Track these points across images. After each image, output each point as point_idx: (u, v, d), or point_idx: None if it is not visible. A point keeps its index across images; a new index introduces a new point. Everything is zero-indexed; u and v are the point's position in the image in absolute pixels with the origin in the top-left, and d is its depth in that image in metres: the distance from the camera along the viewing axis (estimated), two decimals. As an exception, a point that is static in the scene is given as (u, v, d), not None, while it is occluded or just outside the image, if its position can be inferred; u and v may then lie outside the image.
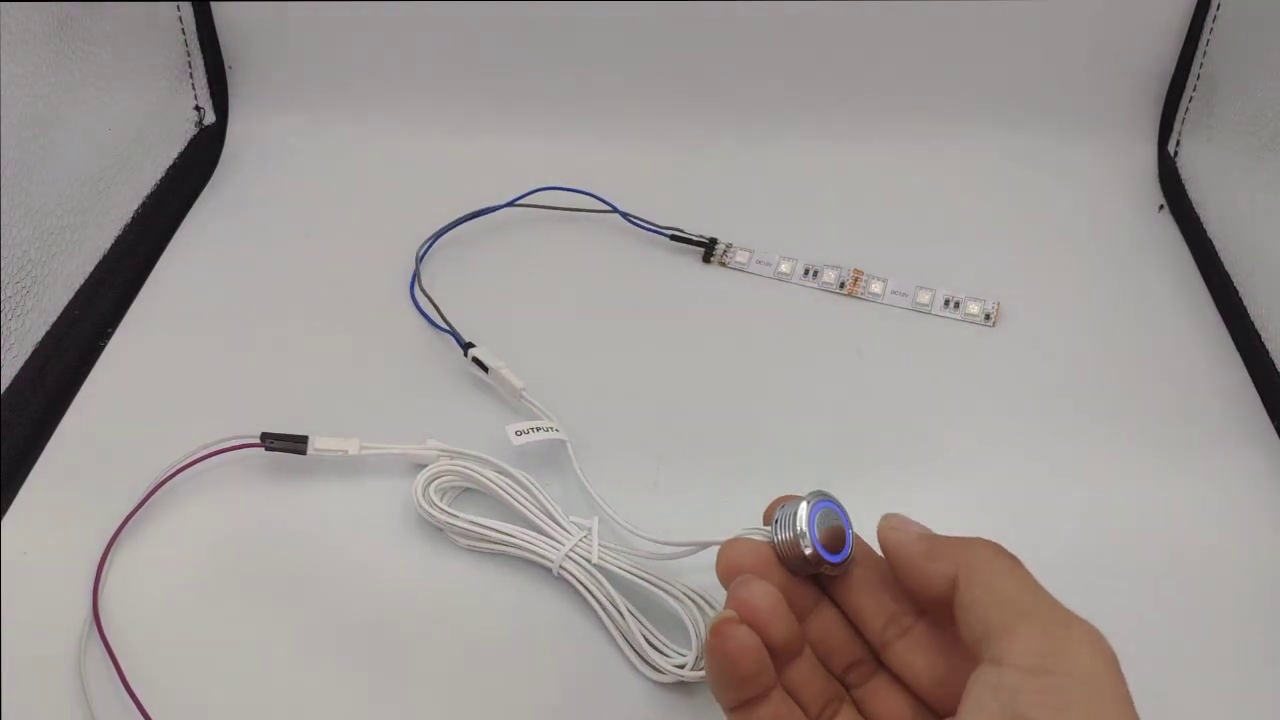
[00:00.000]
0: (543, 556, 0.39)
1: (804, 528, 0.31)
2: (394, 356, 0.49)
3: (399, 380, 0.48)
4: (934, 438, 0.46)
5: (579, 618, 0.38)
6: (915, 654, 0.30)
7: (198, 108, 0.62)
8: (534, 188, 0.57)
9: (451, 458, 0.42)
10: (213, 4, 0.59)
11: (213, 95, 0.62)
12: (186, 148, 0.60)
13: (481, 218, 0.56)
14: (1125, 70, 0.60)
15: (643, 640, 0.37)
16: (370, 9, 0.60)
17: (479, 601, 0.39)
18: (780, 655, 0.30)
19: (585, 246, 0.56)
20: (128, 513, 0.41)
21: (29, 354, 0.45)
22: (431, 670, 0.37)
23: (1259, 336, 0.49)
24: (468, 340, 0.48)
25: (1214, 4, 0.57)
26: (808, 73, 0.61)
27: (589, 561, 0.38)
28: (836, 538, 0.31)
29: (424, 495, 0.41)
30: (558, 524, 0.40)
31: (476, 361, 0.47)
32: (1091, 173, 0.61)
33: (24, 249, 0.45)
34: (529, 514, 0.40)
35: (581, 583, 0.38)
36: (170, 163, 0.58)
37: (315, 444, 0.42)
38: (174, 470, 0.42)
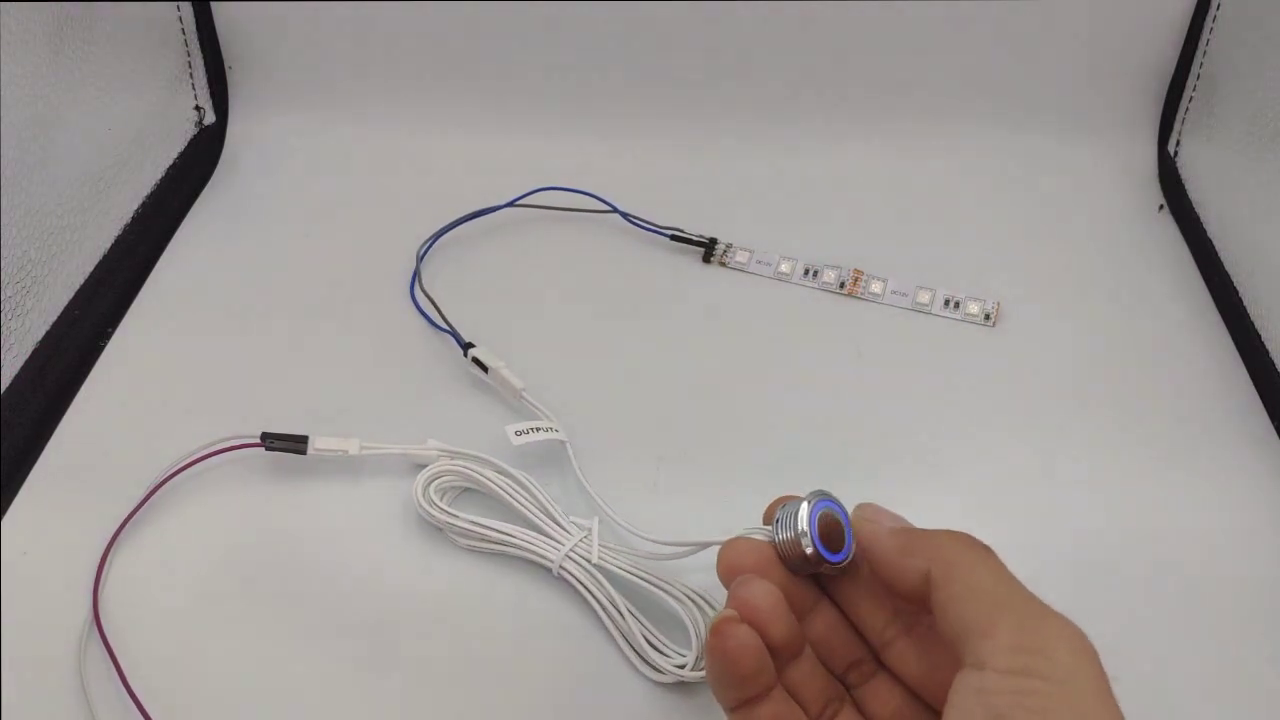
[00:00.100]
0: (543, 556, 0.39)
1: (805, 527, 0.31)
2: (394, 356, 0.49)
3: (399, 380, 0.48)
4: (934, 437, 0.46)
5: (579, 618, 0.38)
6: (915, 654, 0.31)
7: (198, 108, 0.62)
8: (534, 188, 0.57)
9: (451, 458, 0.42)
10: (213, 4, 0.59)
11: (213, 95, 0.62)
12: (186, 148, 0.60)
13: (481, 218, 0.56)
14: (1125, 70, 0.60)
15: (643, 640, 0.37)
16: (370, 9, 0.60)
17: (479, 601, 0.39)
18: (781, 655, 0.30)
19: (585, 246, 0.56)
20: (128, 513, 0.41)
21: (29, 354, 0.45)
22: (431, 670, 0.37)
23: (1259, 336, 0.49)
24: (468, 340, 0.48)
25: (1214, 4, 0.57)
26: (808, 73, 0.61)
27: (589, 561, 0.38)
28: (837, 537, 0.31)
29: (424, 495, 0.41)
30: (558, 524, 0.40)
31: (476, 361, 0.47)
32: (1091, 173, 0.61)
33: (24, 249, 0.45)
34: (529, 514, 0.40)
35: (581, 583, 0.38)
36: (170, 163, 0.58)
37: (315, 444, 0.42)
38: (174, 470, 0.42)
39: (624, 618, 0.37)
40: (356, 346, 0.50)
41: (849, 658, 0.32)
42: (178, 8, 0.59)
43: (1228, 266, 0.52)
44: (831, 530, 0.31)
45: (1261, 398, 0.48)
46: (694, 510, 0.43)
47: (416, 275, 0.52)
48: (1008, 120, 0.62)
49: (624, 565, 0.38)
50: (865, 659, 0.32)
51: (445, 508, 0.40)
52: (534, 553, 0.39)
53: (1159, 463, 0.45)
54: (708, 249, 0.55)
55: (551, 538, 0.39)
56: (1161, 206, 0.59)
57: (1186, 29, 0.58)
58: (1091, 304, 0.53)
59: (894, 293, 0.53)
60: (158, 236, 0.55)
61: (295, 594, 0.39)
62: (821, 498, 0.32)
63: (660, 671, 0.36)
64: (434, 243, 0.55)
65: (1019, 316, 0.52)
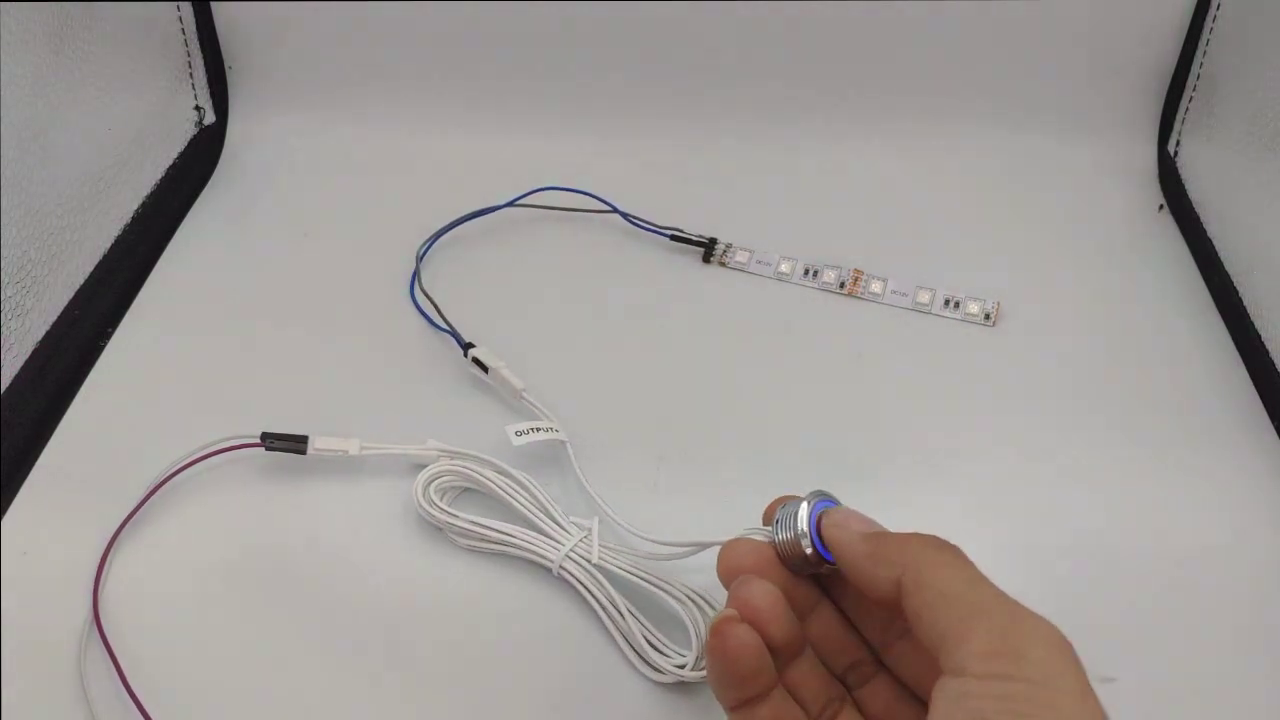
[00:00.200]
0: (543, 556, 0.39)
1: (805, 527, 0.31)
2: (394, 356, 0.49)
3: (399, 380, 0.48)
4: (934, 437, 0.46)
5: (579, 618, 0.38)
6: (915, 655, 0.30)
7: (198, 108, 0.62)
8: (534, 188, 0.57)
9: (451, 458, 0.42)
10: (213, 4, 0.59)
11: (213, 95, 0.62)
12: (186, 148, 0.60)
13: (481, 218, 0.56)
14: (1125, 70, 0.60)
15: (643, 640, 0.37)
16: (370, 9, 0.60)
17: (479, 601, 0.39)
18: (781, 655, 0.30)
19: (585, 246, 0.56)
20: (128, 513, 0.41)
21: (29, 354, 0.45)
22: (431, 670, 0.37)
23: (1259, 336, 0.49)
24: (468, 340, 0.48)
25: (1214, 4, 0.57)
26: (808, 73, 0.61)
27: (589, 562, 0.38)
28: (837, 537, 0.31)
29: (424, 495, 0.41)
30: (558, 524, 0.40)
31: (476, 362, 0.47)
32: (1091, 173, 0.61)
33: (24, 249, 0.45)
34: (529, 514, 0.40)
35: (581, 583, 0.38)
36: (170, 163, 0.58)
37: (315, 444, 0.42)
38: (174, 470, 0.42)
39: (624, 618, 0.37)
40: (356, 346, 0.50)
41: (849, 658, 0.32)
42: (178, 8, 0.59)
43: (1228, 266, 0.52)
44: (832, 530, 0.31)
45: (1261, 398, 0.48)
46: (694, 510, 0.43)
47: (416, 275, 0.52)
48: (1008, 120, 0.62)
49: (624, 565, 0.38)
50: (865, 659, 0.32)
51: (445, 508, 0.40)
52: (534, 553, 0.39)
53: (1159, 462, 0.45)
54: (708, 249, 0.55)
55: (551, 538, 0.39)
56: (1161, 206, 0.59)
57: (1186, 29, 0.58)
58: (1091, 304, 0.53)
59: (894, 292, 0.53)
60: (158, 236, 0.55)
61: (295, 594, 0.39)
62: (821, 498, 0.32)
63: (660, 671, 0.36)
64: (434, 243, 0.55)
65: (1019, 316, 0.52)
